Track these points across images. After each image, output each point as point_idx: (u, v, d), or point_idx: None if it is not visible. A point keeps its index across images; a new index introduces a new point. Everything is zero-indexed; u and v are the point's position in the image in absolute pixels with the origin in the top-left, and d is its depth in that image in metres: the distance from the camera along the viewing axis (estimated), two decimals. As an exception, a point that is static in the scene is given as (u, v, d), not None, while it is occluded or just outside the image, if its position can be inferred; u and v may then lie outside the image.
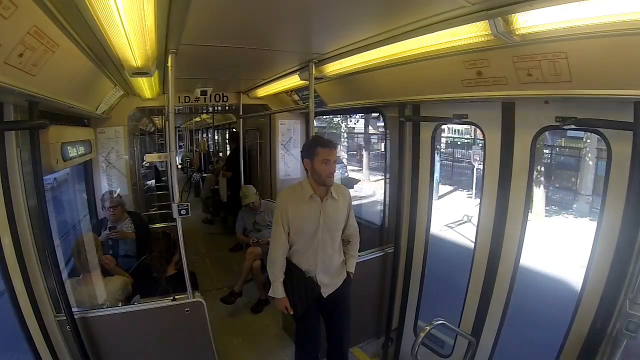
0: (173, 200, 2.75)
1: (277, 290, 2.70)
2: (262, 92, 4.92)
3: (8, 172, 2.17)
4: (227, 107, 7.07)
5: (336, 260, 2.79)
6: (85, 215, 4.50)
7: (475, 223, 2.99)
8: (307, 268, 2.71)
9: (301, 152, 2.72)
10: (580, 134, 12.15)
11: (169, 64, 2.52)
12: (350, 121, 24.34)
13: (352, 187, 16.79)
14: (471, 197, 14.85)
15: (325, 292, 2.75)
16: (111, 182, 4.60)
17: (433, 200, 3.45)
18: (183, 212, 2.71)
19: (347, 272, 2.88)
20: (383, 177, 3.29)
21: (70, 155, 3.31)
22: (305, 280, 2.71)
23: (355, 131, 25.06)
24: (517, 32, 1.69)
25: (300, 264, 2.71)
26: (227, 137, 9.17)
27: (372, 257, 3.75)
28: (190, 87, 4.73)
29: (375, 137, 21.68)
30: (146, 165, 7.92)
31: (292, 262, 2.73)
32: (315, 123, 3.81)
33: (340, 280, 2.83)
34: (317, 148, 2.58)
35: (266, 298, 4.55)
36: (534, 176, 8.55)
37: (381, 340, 3.86)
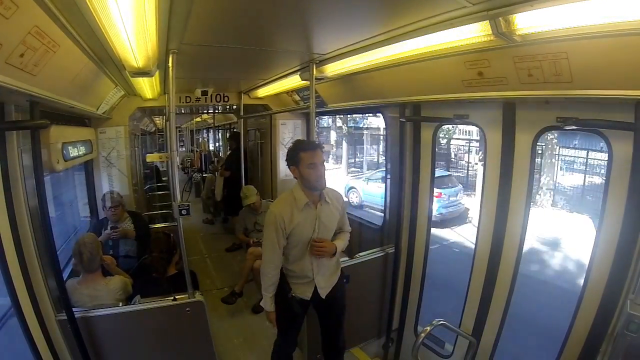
0: (174, 201, 2.75)
1: (267, 304, 2.67)
2: (263, 92, 4.93)
3: (9, 172, 2.17)
4: (227, 108, 7.08)
5: (332, 261, 2.77)
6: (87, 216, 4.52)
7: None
8: (303, 273, 2.68)
9: (286, 160, 2.61)
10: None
11: (170, 64, 2.52)
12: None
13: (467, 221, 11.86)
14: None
15: (323, 293, 2.74)
16: (112, 182, 4.61)
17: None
18: (184, 212, 2.71)
19: (342, 270, 2.88)
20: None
21: (71, 155, 3.32)
22: (289, 301, 2.70)
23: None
24: (517, 33, 1.69)
25: (295, 270, 2.68)
26: (227, 137, 9.15)
27: (372, 257, 3.74)
28: (191, 87, 4.74)
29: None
30: (149, 164, 7.94)
31: (281, 278, 2.70)
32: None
33: (336, 279, 2.83)
34: (299, 153, 2.49)
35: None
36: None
37: (382, 340, 3.86)
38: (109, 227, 3.91)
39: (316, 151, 2.49)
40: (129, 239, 4.00)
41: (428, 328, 2.67)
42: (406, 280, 3.65)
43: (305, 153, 2.48)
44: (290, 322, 2.81)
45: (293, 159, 2.53)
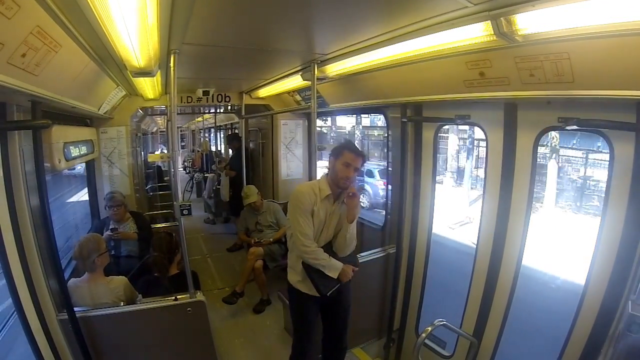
0: (176, 200, 2.75)
1: (335, 265, 2.62)
2: (265, 92, 4.93)
3: (11, 171, 2.17)
4: (229, 108, 7.10)
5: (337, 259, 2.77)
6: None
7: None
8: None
9: (331, 151, 2.74)
10: None
11: (172, 64, 2.52)
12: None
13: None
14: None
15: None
16: (113, 182, 4.62)
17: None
18: (185, 212, 2.71)
19: None
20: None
21: (73, 155, 3.33)
22: (302, 300, 2.76)
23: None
24: (519, 33, 1.69)
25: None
26: (227, 138, 9.16)
27: (374, 257, 3.74)
28: (193, 87, 4.75)
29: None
30: (151, 164, 7.95)
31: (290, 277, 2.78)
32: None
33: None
34: (344, 150, 2.63)
35: (268, 298, 4.57)
36: None
37: (383, 340, 3.86)
38: (110, 228, 3.92)
39: (359, 158, 2.63)
40: (131, 239, 4.01)
41: (429, 328, 2.66)
42: (407, 281, 3.65)
43: (349, 153, 2.61)
44: (308, 322, 2.82)
45: (337, 152, 2.66)
